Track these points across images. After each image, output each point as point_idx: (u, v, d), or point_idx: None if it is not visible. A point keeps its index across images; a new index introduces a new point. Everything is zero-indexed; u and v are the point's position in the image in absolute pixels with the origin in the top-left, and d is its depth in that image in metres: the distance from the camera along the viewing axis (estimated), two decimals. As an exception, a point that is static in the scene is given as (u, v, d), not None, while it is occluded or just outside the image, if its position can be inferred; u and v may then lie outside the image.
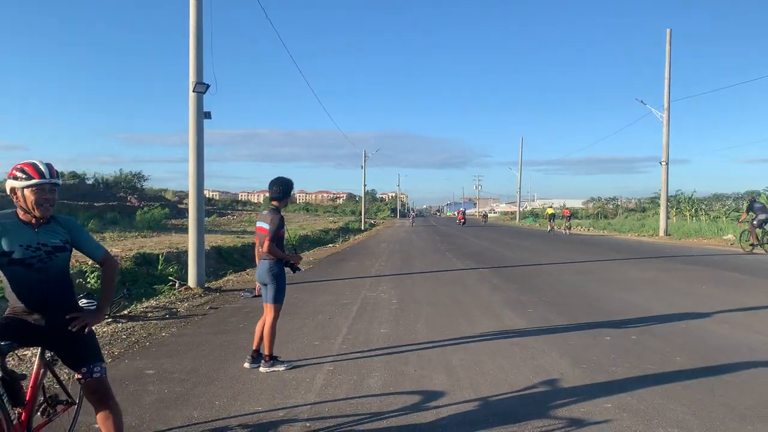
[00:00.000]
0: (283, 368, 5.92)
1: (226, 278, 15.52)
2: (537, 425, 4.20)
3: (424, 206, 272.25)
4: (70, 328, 3.20)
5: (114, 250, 17.44)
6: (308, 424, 4.32)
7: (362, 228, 52.83)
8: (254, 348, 6.12)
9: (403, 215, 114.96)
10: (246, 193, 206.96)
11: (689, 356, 6.11)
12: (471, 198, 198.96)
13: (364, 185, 57.15)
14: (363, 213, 56.81)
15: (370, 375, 5.61)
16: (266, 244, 5.82)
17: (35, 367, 3.38)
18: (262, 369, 5.89)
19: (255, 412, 4.61)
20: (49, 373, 3.55)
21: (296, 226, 45.78)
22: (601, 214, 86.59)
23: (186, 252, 18.66)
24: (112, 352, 6.66)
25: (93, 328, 3.46)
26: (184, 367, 5.98)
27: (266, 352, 5.96)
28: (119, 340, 7.37)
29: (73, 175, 69.64)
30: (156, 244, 21.59)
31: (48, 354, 3.46)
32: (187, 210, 50.78)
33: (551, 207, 50.55)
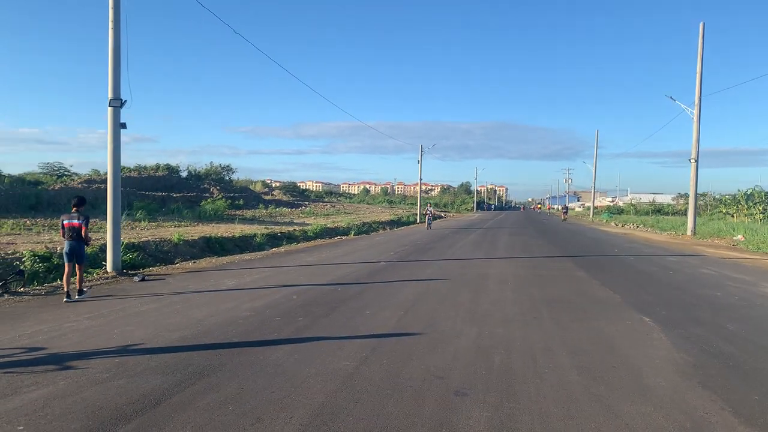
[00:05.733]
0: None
1: (175, 265, 17.86)
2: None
3: (529, 199, 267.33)
4: None
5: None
6: None
7: (417, 221, 54.35)
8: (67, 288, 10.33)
9: (480, 208, 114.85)
10: (347, 185, 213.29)
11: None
12: (576, 191, 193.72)
13: (420, 179, 58.83)
14: (419, 206, 58.30)
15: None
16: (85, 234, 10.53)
17: None
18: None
19: None
20: None
21: (344, 217, 48.16)
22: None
23: (168, 240, 21.46)
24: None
25: None
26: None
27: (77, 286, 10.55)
28: None
29: (167, 167, 75.75)
30: (171, 233, 24.43)
31: None
32: (272, 201, 54.41)
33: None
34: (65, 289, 10.48)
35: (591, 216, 72.92)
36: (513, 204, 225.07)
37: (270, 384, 5.62)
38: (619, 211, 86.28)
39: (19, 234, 22.38)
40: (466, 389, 5.52)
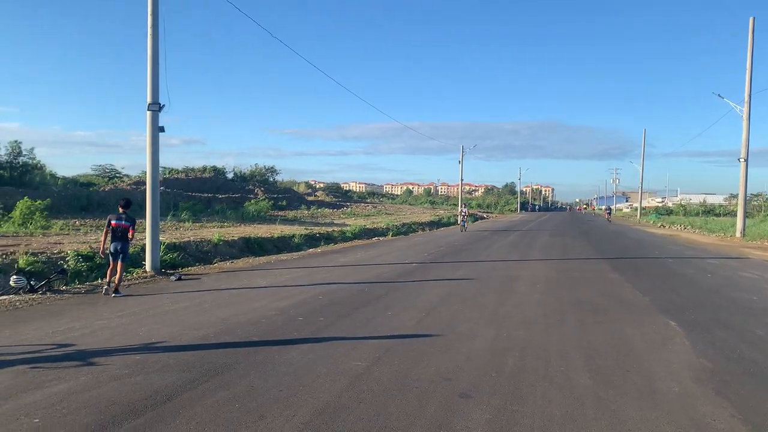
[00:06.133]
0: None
1: (213, 265, 18.30)
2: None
3: (576, 199, 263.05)
4: None
5: (164, 237, 20.60)
6: None
7: (458, 221, 54.12)
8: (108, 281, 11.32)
9: (524, 209, 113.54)
10: (390, 185, 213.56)
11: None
12: (624, 192, 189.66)
13: (461, 179, 58.59)
14: (459, 207, 57.99)
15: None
16: (130, 233, 11.50)
17: None
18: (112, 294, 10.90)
19: None
20: None
21: (384, 218, 48.32)
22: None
23: (208, 241, 21.92)
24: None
25: None
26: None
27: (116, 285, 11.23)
28: (13, 301, 10.30)
29: (214, 169, 77.42)
30: (213, 233, 24.85)
31: None
32: (315, 202, 55.12)
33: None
34: (107, 280, 11.49)
35: (638, 217, 71.29)
36: (559, 204, 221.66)
37: (279, 383, 5.75)
38: (668, 212, 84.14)
39: (67, 234, 23.12)
40: (471, 391, 5.54)
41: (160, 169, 59.56)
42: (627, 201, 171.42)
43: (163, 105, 15.65)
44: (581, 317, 9.16)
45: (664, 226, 50.88)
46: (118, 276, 11.37)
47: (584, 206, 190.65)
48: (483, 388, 5.62)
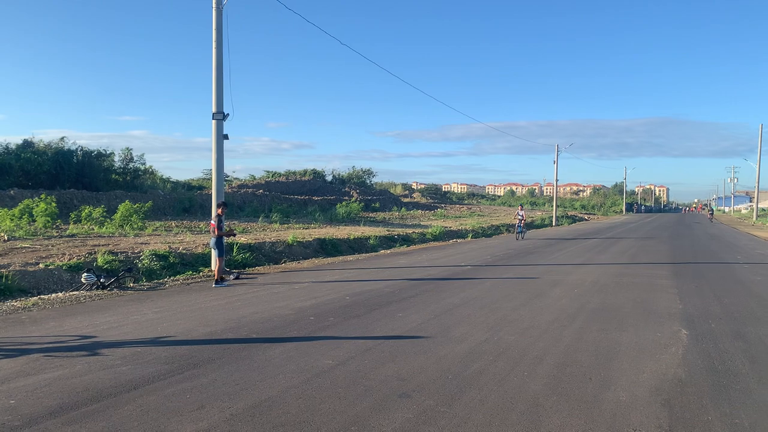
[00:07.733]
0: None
1: (279, 265, 19.20)
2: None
3: (695, 200, 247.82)
4: None
5: (243, 238, 21.99)
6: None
7: (553, 224, 52.95)
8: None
9: (630, 210, 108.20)
10: (493, 186, 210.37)
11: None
12: (747, 191, 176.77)
13: (556, 180, 57.08)
14: (555, 207, 56.59)
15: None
16: (214, 231, 13.26)
17: None
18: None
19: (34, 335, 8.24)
20: None
21: (475, 219, 48.04)
22: None
23: (283, 241, 22.90)
24: (60, 304, 10.73)
25: None
26: (60, 305, 9.84)
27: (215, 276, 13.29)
28: (79, 297, 11.51)
29: (314, 172, 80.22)
30: (294, 234, 25.84)
31: None
32: (410, 203, 56.17)
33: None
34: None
35: (754, 219, 66.25)
36: (674, 205, 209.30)
37: (243, 377, 6.18)
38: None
39: (158, 235, 24.85)
40: (415, 392, 5.70)
41: (264, 172, 61.61)
42: (750, 201, 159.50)
43: (227, 114, 16.59)
44: (589, 324, 8.97)
45: (779, 229, 47.03)
46: (216, 268, 13.63)
47: (693, 207, 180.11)
48: (428, 390, 5.77)
